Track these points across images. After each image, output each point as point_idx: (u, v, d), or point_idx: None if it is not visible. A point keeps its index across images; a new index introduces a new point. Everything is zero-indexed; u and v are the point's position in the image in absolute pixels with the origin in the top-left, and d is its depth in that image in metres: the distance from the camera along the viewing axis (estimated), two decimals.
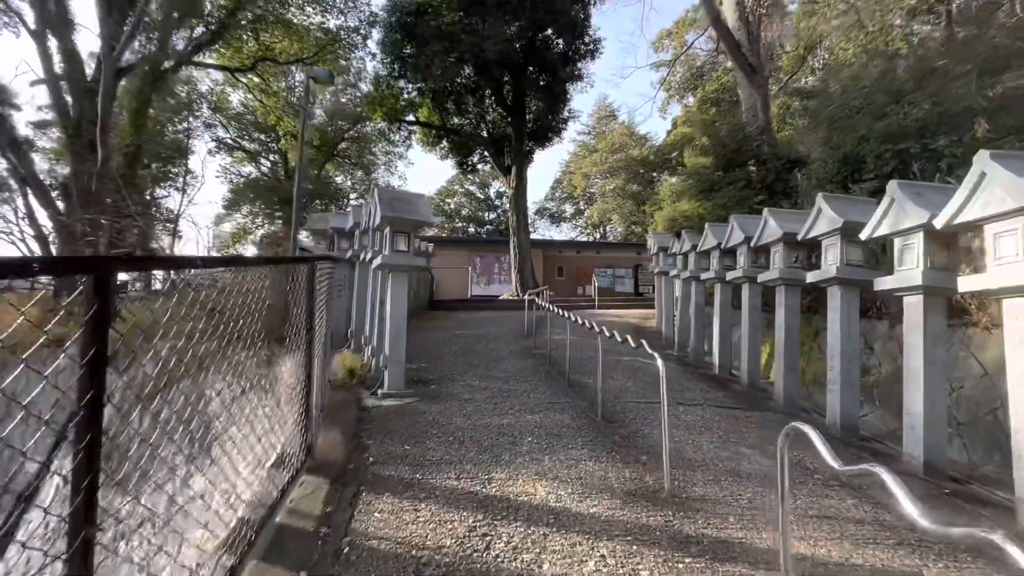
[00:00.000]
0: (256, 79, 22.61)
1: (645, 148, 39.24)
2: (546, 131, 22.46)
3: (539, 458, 3.90)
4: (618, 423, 4.95)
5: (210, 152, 30.85)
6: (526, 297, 11.73)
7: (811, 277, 5.58)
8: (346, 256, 8.39)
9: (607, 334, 4.89)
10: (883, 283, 4.50)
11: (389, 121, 20.98)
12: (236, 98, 29.02)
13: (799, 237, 5.81)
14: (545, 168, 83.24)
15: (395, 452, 3.94)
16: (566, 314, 6.84)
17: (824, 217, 5.35)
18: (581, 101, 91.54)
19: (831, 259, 5.34)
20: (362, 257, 7.54)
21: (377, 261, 5.75)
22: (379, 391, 5.58)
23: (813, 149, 7.65)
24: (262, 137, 31.60)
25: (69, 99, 11.40)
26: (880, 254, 5.96)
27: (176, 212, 28.48)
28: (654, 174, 39.22)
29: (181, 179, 29.18)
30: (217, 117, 30.15)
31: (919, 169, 6.12)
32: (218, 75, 26.15)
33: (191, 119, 28.96)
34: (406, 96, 20.78)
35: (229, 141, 31.64)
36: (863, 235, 4.69)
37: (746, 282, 7.15)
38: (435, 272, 20.89)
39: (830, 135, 7.29)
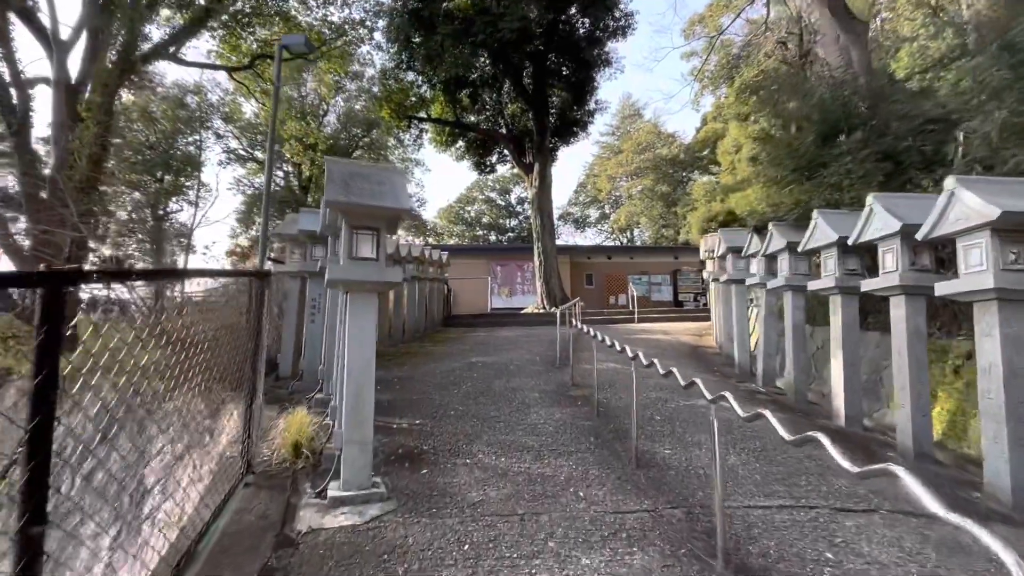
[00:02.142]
0: (261, 81, 21.08)
1: (674, 147, 36.65)
2: (571, 125, 20.24)
3: None
4: (758, 573, 2.60)
5: (220, 164, 29.56)
6: (556, 311, 9.45)
7: None
8: (316, 267, 6.27)
9: (739, 411, 2.56)
10: None
11: (398, 118, 19.08)
12: (248, 108, 27.89)
13: None
14: (567, 171, 79.88)
15: None
16: (626, 349, 4.53)
17: None
18: (609, 90, 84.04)
19: None
20: None
21: (327, 274, 3.56)
22: (329, 489, 3.36)
23: (967, 105, 5.21)
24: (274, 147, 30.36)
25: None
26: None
27: (191, 226, 27.32)
28: (684, 174, 36.55)
29: (194, 192, 28.08)
30: (228, 128, 29.10)
31: None
32: (228, 85, 24.98)
33: (202, 131, 27.95)
34: (416, 91, 18.89)
35: (241, 152, 30.54)
36: None
37: (900, 294, 4.70)
38: (451, 284, 18.79)
39: (1015, 72, 4.83)
